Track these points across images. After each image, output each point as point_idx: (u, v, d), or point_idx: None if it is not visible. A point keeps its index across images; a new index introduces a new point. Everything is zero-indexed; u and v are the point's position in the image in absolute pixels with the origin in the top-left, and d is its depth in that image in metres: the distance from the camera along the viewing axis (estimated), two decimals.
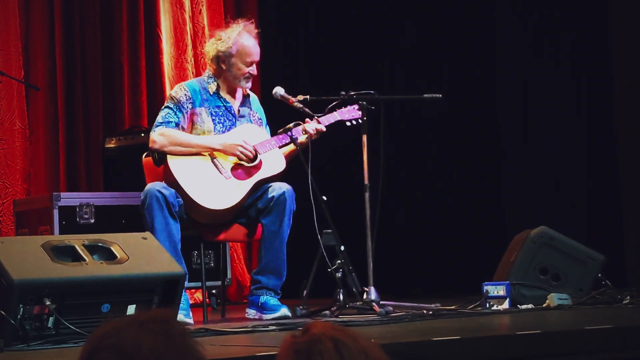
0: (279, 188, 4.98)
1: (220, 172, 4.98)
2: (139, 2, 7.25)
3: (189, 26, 7.38)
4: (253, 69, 5.12)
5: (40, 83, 6.82)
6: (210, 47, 5.14)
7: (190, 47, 7.35)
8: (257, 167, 5.05)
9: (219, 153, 5.02)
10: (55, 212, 5.89)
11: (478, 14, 7.42)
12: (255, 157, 5.05)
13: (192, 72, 7.27)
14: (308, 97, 5.16)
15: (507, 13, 7.36)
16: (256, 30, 5.17)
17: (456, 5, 7.47)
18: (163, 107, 5.10)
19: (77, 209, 5.98)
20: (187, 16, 7.37)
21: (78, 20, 7.11)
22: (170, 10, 7.33)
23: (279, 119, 5.32)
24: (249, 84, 5.16)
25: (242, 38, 5.10)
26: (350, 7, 7.61)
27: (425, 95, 5.42)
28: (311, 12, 7.65)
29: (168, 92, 7.15)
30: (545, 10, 7.21)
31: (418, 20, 7.54)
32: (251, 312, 5.02)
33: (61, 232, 5.78)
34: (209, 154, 5.01)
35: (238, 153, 5.00)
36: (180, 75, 7.23)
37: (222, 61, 5.08)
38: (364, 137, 5.07)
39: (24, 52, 6.82)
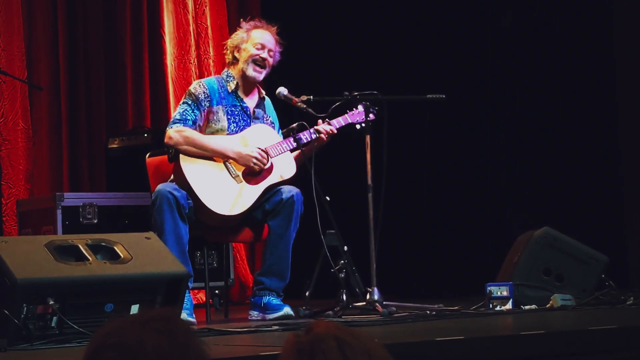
0: (287, 191, 4.97)
1: (232, 176, 4.97)
2: (142, 3, 7.25)
3: (192, 27, 7.38)
4: (264, 53, 5.11)
5: (43, 83, 6.82)
6: (229, 42, 5.22)
7: (193, 47, 7.36)
8: (269, 171, 5.04)
9: None
10: (59, 212, 5.90)
11: (480, 13, 7.42)
12: (267, 160, 5.04)
13: (196, 73, 7.28)
14: (312, 97, 5.15)
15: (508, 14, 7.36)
16: (275, 29, 5.19)
17: (457, 5, 7.46)
18: (181, 103, 5.09)
19: (80, 209, 5.98)
20: (190, 17, 7.38)
21: (81, 20, 7.12)
22: (173, 11, 7.34)
23: (282, 119, 5.32)
24: (259, 74, 5.11)
25: (255, 28, 5.16)
26: (354, 7, 7.61)
27: (429, 95, 5.42)
28: (314, 13, 7.65)
29: (171, 92, 7.18)
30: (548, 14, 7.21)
31: (421, 20, 7.54)
32: (254, 314, 5.00)
33: (64, 232, 5.79)
34: None
35: (252, 165, 4.98)
36: (184, 76, 7.24)
37: (237, 50, 5.13)
38: (367, 138, 5.07)
39: (27, 53, 6.83)
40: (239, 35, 5.17)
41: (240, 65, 5.11)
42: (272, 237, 5.00)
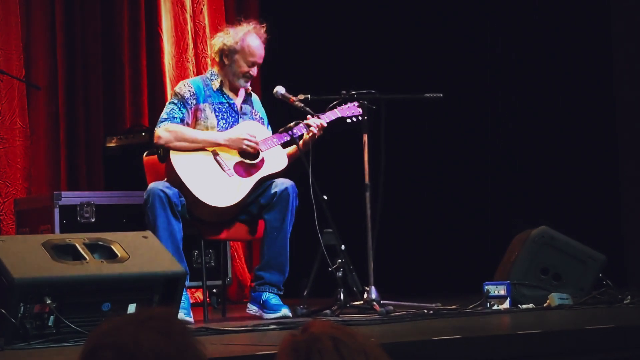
0: (281, 184, 4.99)
1: (223, 169, 4.99)
2: (140, 1, 7.25)
3: (189, 25, 7.38)
4: (254, 70, 5.14)
5: (41, 82, 6.82)
6: (217, 40, 5.18)
7: (191, 46, 7.35)
8: (260, 165, 5.07)
9: (222, 150, 5.03)
10: (56, 211, 5.89)
11: (479, 12, 7.42)
12: (258, 154, 5.06)
13: (193, 72, 7.27)
14: (309, 96, 5.16)
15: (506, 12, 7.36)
16: (265, 35, 5.18)
17: (456, 3, 7.47)
18: (168, 103, 5.14)
19: (78, 208, 5.98)
20: (188, 15, 7.37)
21: (79, 19, 7.11)
22: (171, 10, 7.34)
23: (280, 118, 5.32)
24: (248, 85, 5.19)
25: (249, 37, 5.13)
26: (352, 6, 7.61)
27: (427, 94, 5.42)
28: (312, 11, 7.65)
29: (169, 91, 7.17)
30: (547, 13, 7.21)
31: (420, 18, 7.54)
32: (252, 308, 5.02)
33: (62, 231, 5.78)
34: (211, 151, 5.02)
35: (244, 147, 5.01)
36: (181, 75, 7.23)
37: (226, 55, 5.12)
38: (365, 137, 5.08)
39: (25, 51, 6.82)
40: (231, 39, 5.13)
41: (229, 73, 5.11)
42: (269, 230, 5.01)
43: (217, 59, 5.16)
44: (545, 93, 7.24)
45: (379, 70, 7.31)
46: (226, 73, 5.14)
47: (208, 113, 5.08)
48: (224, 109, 5.13)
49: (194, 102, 5.06)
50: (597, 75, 7.10)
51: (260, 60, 5.15)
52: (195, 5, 7.42)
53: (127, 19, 7.22)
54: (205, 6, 7.46)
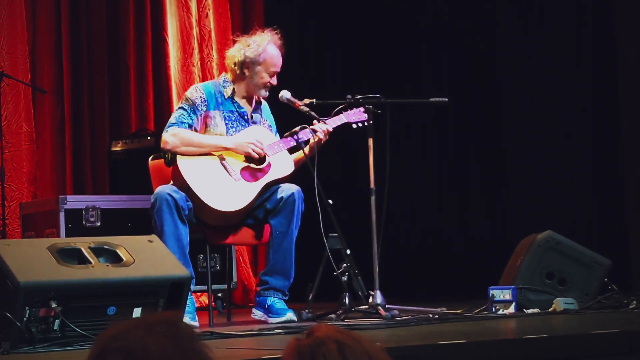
0: (288, 189, 4.99)
1: (230, 174, 5.00)
2: (145, 6, 7.26)
3: (195, 30, 7.39)
4: (274, 80, 5.13)
5: (46, 86, 6.83)
6: (237, 52, 5.12)
7: (196, 50, 7.36)
8: (266, 169, 5.07)
9: (228, 155, 5.03)
10: (62, 215, 5.90)
11: (480, 14, 7.42)
12: (264, 159, 5.06)
13: (199, 76, 7.28)
14: (314, 100, 5.17)
15: (508, 13, 7.36)
16: (280, 41, 5.17)
17: (459, 6, 7.47)
18: (177, 107, 5.11)
19: (83, 212, 5.99)
20: (193, 20, 7.38)
21: (85, 23, 7.13)
22: (176, 14, 7.34)
23: (285, 123, 5.33)
24: (267, 94, 5.17)
25: (269, 47, 5.11)
26: (356, 10, 7.62)
27: (432, 99, 5.42)
28: (317, 16, 7.65)
29: (175, 95, 7.18)
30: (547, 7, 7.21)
31: (425, 22, 7.54)
32: (257, 313, 5.03)
33: (67, 235, 5.79)
34: (218, 156, 5.02)
35: (250, 151, 5.01)
36: (187, 79, 7.24)
37: (247, 67, 5.08)
38: (370, 141, 5.08)
39: (31, 55, 6.84)
40: (253, 51, 5.08)
41: (250, 84, 5.10)
42: (274, 235, 5.02)
43: (237, 71, 5.10)
44: (549, 96, 7.23)
45: (384, 74, 7.31)
46: (246, 84, 5.12)
47: (218, 121, 5.07)
48: (233, 118, 5.12)
49: (204, 108, 5.05)
50: (601, 79, 7.09)
51: (279, 69, 5.14)
52: (200, 9, 7.42)
53: (133, 23, 7.23)
54: (210, 10, 7.47)
